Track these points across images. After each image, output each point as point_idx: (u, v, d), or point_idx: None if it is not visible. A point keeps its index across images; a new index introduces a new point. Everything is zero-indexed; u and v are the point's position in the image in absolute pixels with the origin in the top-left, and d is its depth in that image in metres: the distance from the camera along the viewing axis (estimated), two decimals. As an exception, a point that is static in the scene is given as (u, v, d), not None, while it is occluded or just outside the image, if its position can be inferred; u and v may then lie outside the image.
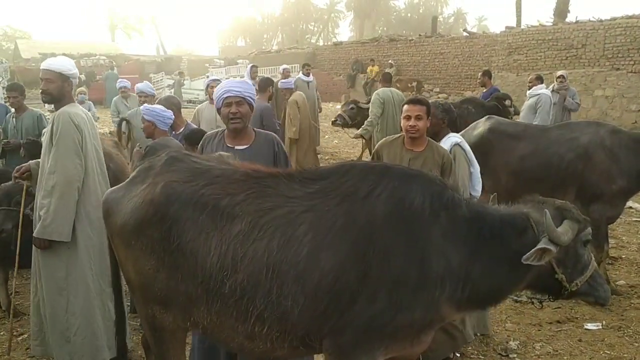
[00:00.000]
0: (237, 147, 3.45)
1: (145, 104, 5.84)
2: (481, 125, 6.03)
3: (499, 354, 4.33)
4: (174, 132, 5.42)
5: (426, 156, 4.04)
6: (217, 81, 7.04)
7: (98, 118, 13.70)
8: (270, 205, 2.47)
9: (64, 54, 29.43)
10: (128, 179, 2.90)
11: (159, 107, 5.12)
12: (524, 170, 5.59)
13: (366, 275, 2.38)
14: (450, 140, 4.35)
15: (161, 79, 26.52)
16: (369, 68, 23.23)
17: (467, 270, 2.51)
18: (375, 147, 4.41)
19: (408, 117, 3.98)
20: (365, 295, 2.38)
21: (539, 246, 2.44)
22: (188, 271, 2.50)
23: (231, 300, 2.42)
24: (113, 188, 2.95)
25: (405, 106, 4.06)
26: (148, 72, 27.97)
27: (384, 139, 4.41)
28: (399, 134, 4.26)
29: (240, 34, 72.54)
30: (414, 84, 21.13)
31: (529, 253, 2.43)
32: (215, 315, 2.52)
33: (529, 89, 8.88)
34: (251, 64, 13.38)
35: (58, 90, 3.76)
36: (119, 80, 11.50)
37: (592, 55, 16.26)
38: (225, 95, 3.39)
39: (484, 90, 10.42)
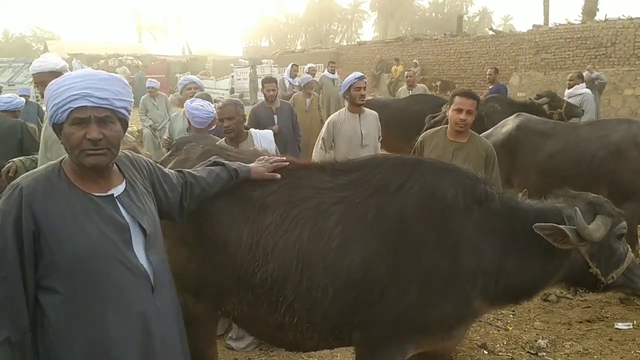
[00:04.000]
0: None
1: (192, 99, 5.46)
2: (510, 123, 5.97)
3: (528, 352, 4.28)
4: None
5: (470, 147, 4.12)
6: (194, 83, 6.57)
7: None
8: (301, 197, 2.49)
9: (91, 55, 29.99)
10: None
11: (195, 105, 4.74)
12: (554, 169, 5.51)
13: (396, 268, 2.37)
14: None
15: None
16: (393, 68, 23.12)
17: (499, 265, 2.48)
18: (418, 139, 4.45)
19: (459, 110, 4.03)
20: (396, 289, 2.37)
21: (558, 225, 2.39)
22: (219, 262, 2.53)
23: (262, 291, 2.44)
24: None
25: (457, 98, 4.09)
26: (174, 72, 28.29)
27: (427, 131, 4.49)
28: (439, 127, 4.37)
29: (264, 34, 72.92)
30: (438, 83, 20.97)
31: (543, 224, 2.40)
32: (246, 306, 2.54)
33: (569, 88, 8.79)
34: (292, 63, 13.57)
35: None
36: (148, 80, 11.70)
37: (622, 54, 15.96)
38: None
39: (491, 87, 10.68)
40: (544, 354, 4.26)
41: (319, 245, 2.39)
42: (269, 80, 7.41)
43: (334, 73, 12.37)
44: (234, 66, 28.05)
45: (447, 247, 2.43)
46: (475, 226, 2.48)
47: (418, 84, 11.72)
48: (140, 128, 11.97)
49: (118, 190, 1.96)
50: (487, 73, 11.61)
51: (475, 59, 22.01)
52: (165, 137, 6.25)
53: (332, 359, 4.10)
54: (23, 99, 6.49)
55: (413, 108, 8.69)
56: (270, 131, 5.02)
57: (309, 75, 10.19)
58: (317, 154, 5.36)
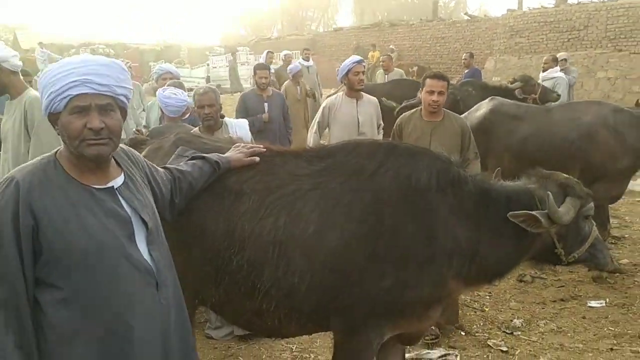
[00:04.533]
0: None
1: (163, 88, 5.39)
2: (483, 107, 6.04)
3: (504, 331, 4.37)
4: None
5: (446, 125, 4.35)
6: (170, 72, 6.28)
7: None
8: (277, 183, 2.49)
9: (62, 44, 29.34)
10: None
11: (167, 93, 4.62)
12: (526, 152, 5.59)
13: (373, 252, 2.40)
14: None
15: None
16: (370, 54, 23.07)
17: (474, 246, 2.54)
18: (395, 123, 4.59)
19: (431, 92, 4.25)
20: (373, 273, 2.40)
21: (531, 212, 2.47)
22: (196, 250, 2.52)
23: (239, 278, 2.44)
24: None
25: (429, 81, 4.31)
26: (148, 60, 27.81)
27: (402, 115, 4.63)
28: (414, 109, 4.53)
29: (240, 21, 72.10)
30: (415, 68, 21.01)
31: (517, 212, 2.48)
32: (224, 293, 2.54)
33: (543, 72, 8.89)
34: (267, 50, 13.41)
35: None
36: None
37: (595, 37, 16.18)
38: None
39: (466, 71, 10.83)
40: (519, 333, 4.35)
41: (296, 231, 2.39)
42: (261, 67, 7.14)
43: (308, 60, 12.27)
44: (210, 54, 27.72)
45: (423, 230, 2.47)
46: (449, 208, 2.53)
47: (395, 69, 11.78)
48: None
49: (117, 182, 1.86)
50: (463, 58, 11.71)
51: (450, 44, 22.12)
52: (134, 130, 6.06)
53: (311, 344, 4.14)
54: None
55: (396, 92, 8.68)
56: (246, 120, 4.95)
57: (298, 64, 10.13)
58: (311, 138, 5.25)
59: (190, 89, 7.22)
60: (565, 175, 2.80)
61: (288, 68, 10.02)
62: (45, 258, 1.69)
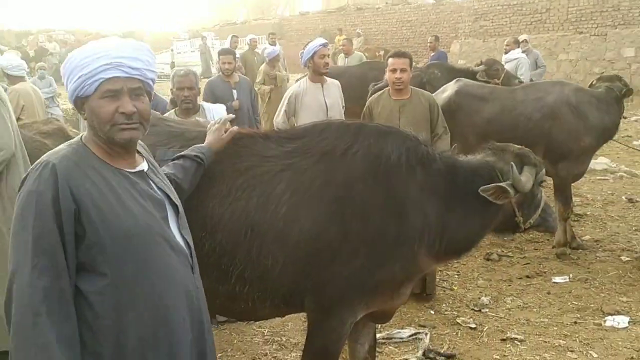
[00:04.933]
0: None
1: None
2: (449, 88, 6.08)
3: (472, 309, 4.47)
4: None
5: (414, 102, 4.44)
6: None
7: (59, 94, 13.31)
8: (247, 165, 2.46)
9: (20, 31, 28.33)
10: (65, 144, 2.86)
11: None
12: (491, 132, 5.64)
13: (345, 232, 2.41)
14: None
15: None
16: (337, 38, 22.96)
17: (443, 222, 2.59)
18: (366, 105, 4.66)
19: (394, 70, 4.34)
20: (345, 252, 2.41)
21: (500, 184, 2.55)
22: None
23: (211, 261, 2.41)
24: None
25: (390, 59, 4.42)
26: (110, 46, 27.13)
27: (371, 97, 4.70)
28: (382, 90, 4.61)
29: (205, 6, 70.75)
30: (382, 52, 21.03)
31: (487, 186, 2.55)
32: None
33: (505, 53, 9.01)
34: (232, 35, 13.11)
35: None
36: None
37: (557, 20, 16.50)
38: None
39: (432, 54, 10.95)
40: (487, 310, 4.46)
41: (267, 213, 2.38)
42: (225, 52, 6.86)
43: (275, 44, 12.11)
44: (174, 39, 27.21)
45: (394, 209, 2.50)
46: (419, 186, 2.57)
47: (355, 52, 11.82)
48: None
49: (144, 167, 1.83)
50: (428, 41, 11.82)
51: (417, 28, 22.22)
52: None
53: (283, 327, 4.15)
54: None
55: (369, 74, 8.67)
56: (223, 105, 4.86)
57: (275, 48, 9.96)
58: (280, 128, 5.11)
59: (158, 75, 7.07)
60: (517, 146, 2.89)
61: (266, 52, 9.84)
62: (88, 242, 1.61)
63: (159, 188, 1.83)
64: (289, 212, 2.39)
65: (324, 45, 5.08)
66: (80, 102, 1.72)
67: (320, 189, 2.43)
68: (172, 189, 1.93)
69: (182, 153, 2.33)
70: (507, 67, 8.70)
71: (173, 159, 2.31)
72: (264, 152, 2.52)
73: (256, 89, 9.71)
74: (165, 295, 1.71)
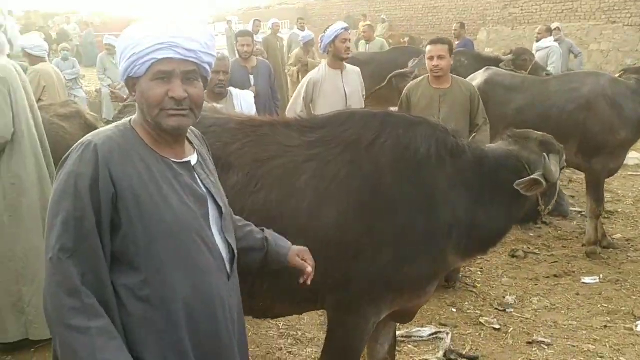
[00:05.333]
0: None
1: None
2: (478, 77, 5.86)
3: (496, 309, 4.30)
4: None
5: (454, 91, 4.33)
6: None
7: (84, 76, 13.35)
8: (268, 155, 2.33)
9: (46, 12, 28.47)
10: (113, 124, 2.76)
11: None
12: (522, 123, 5.36)
13: (372, 227, 2.29)
14: None
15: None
16: (361, 24, 22.67)
17: (471, 216, 2.48)
18: (403, 92, 4.53)
19: (431, 57, 4.25)
20: (371, 248, 2.29)
21: (534, 176, 2.46)
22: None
23: None
24: None
25: (429, 47, 4.33)
26: (134, 28, 27.18)
27: (410, 83, 4.58)
28: (422, 77, 4.49)
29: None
30: (406, 39, 20.68)
31: (523, 180, 2.45)
32: None
33: (537, 41, 8.71)
34: (254, 19, 12.96)
35: None
36: (106, 36, 11.13)
37: (588, 8, 15.94)
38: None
39: (457, 42, 10.56)
40: (512, 310, 4.29)
41: (290, 207, 2.25)
42: (243, 34, 6.46)
43: (304, 30, 11.83)
44: (198, 23, 27.09)
45: (422, 203, 2.38)
46: (448, 179, 2.46)
47: (377, 38, 11.57)
48: (98, 88, 11.49)
49: (192, 159, 1.68)
50: (453, 28, 11.43)
51: (443, 14, 21.72)
52: (111, 88, 5.62)
53: (298, 321, 4.04)
54: None
55: (399, 60, 8.42)
56: (251, 92, 4.67)
57: (310, 33, 9.81)
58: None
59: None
60: (538, 132, 2.79)
61: (301, 36, 9.68)
62: (123, 232, 1.49)
63: (204, 184, 1.67)
64: (312, 206, 2.26)
65: (346, 29, 4.81)
66: (131, 82, 1.60)
67: (345, 181, 2.30)
68: (221, 189, 1.77)
69: (264, 229, 2.05)
70: (538, 55, 8.41)
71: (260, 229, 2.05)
72: (286, 142, 2.39)
73: (286, 71, 9.53)
74: (194, 300, 1.57)
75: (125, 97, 5.71)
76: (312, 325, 3.96)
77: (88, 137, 1.55)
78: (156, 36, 1.52)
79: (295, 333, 3.91)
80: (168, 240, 1.52)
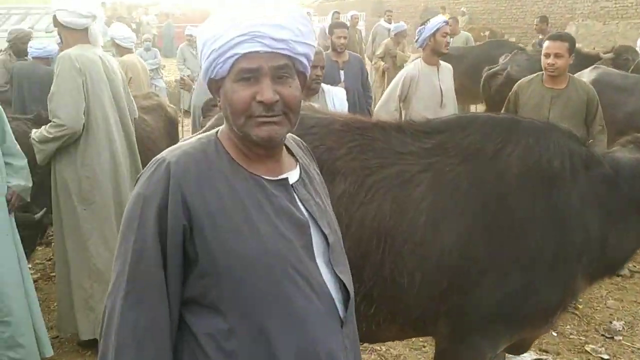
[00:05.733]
0: None
1: None
2: (585, 76, 5.36)
3: (602, 335, 3.87)
4: None
5: (569, 93, 3.96)
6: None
7: (164, 66, 13.62)
8: (378, 162, 2.08)
9: (130, 3, 29.46)
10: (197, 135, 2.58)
11: None
12: (635, 128, 4.91)
13: (497, 248, 2.01)
14: None
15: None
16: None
17: (603, 237, 2.18)
18: (513, 88, 4.19)
19: (547, 55, 3.92)
20: (494, 273, 2.01)
21: None
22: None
23: None
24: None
25: (546, 42, 4.02)
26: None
27: (522, 79, 4.22)
28: (536, 73, 4.14)
29: (302, -19, 70.83)
30: (487, 33, 19.85)
31: None
32: None
33: (642, 38, 7.96)
34: (334, 10, 12.80)
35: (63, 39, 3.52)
36: (187, 27, 11.29)
37: (694, 2, 14.66)
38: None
39: (540, 37, 9.83)
40: (621, 338, 3.84)
41: (404, 221, 1.99)
42: (339, 26, 6.00)
43: (390, 22, 11.35)
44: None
45: (554, 223, 2.08)
46: (582, 195, 2.16)
47: (462, 32, 11.07)
48: (178, 78, 11.67)
49: (292, 176, 1.35)
50: (535, 23, 10.74)
51: (528, 7, 20.67)
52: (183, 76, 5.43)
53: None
54: (56, 47, 6.19)
55: (494, 53, 7.90)
56: (343, 89, 4.43)
57: (402, 24, 9.54)
58: (390, 116, 4.50)
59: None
60: None
61: (393, 26, 9.44)
62: (201, 270, 1.22)
63: (305, 207, 1.33)
64: (430, 222, 2.00)
65: (446, 22, 4.56)
66: (214, 85, 1.30)
67: (466, 195, 2.03)
68: (329, 211, 1.44)
69: None
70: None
71: None
72: (399, 148, 2.12)
73: (373, 62, 9.24)
74: (294, 354, 1.25)
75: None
76: (397, 342, 3.69)
77: (163, 153, 1.29)
78: (236, 26, 1.22)
79: (379, 348, 3.65)
80: (257, 279, 1.22)
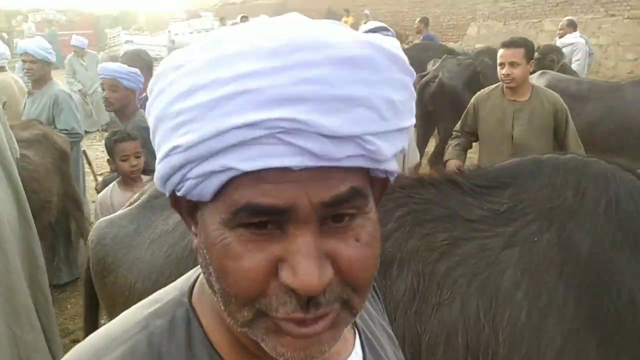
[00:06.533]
0: None
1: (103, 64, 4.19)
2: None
3: None
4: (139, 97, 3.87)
5: (533, 106, 3.52)
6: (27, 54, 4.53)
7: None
8: (446, 239, 1.49)
9: (8, 10, 26.87)
10: (137, 203, 1.89)
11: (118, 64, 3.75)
12: (594, 140, 4.70)
13: (610, 341, 1.48)
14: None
15: (118, 35, 24.54)
16: (344, 19, 21.93)
17: None
18: (470, 102, 3.75)
19: (502, 65, 3.49)
20: None
21: None
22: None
23: None
24: (107, 218, 1.95)
25: (500, 50, 3.55)
26: (104, 27, 25.82)
27: (480, 91, 3.77)
28: (496, 84, 3.69)
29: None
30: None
31: None
32: None
33: (560, 37, 8.02)
34: (241, 15, 12.11)
35: None
36: (73, 37, 9.98)
37: (585, 1, 15.52)
38: None
39: (421, 38, 10.29)
40: None
41: (501, 325, 1.43)
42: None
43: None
44: (171, 20, 25.98)
45: None
46: None
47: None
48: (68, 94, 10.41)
49: None
50: (415, 23, 11.04)
51: (430, 9, 21.06)
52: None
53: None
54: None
55: (421, 57, 7.52)
56: None
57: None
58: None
59: (155, 59, 5.82)
60: None
61: None
62: None
63: None
64: (532, 319, 1.43)
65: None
66: (183, 206, 0.64)
67: (564, 275, 1.48)
68: None
69: None
70: (566, 63, 7.71)
71: None
72: (464, 213, 1.55)
73: None
74: None
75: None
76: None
77: (104, 342, 0.65)
78: (244, 94, 0.51)
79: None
80: None
